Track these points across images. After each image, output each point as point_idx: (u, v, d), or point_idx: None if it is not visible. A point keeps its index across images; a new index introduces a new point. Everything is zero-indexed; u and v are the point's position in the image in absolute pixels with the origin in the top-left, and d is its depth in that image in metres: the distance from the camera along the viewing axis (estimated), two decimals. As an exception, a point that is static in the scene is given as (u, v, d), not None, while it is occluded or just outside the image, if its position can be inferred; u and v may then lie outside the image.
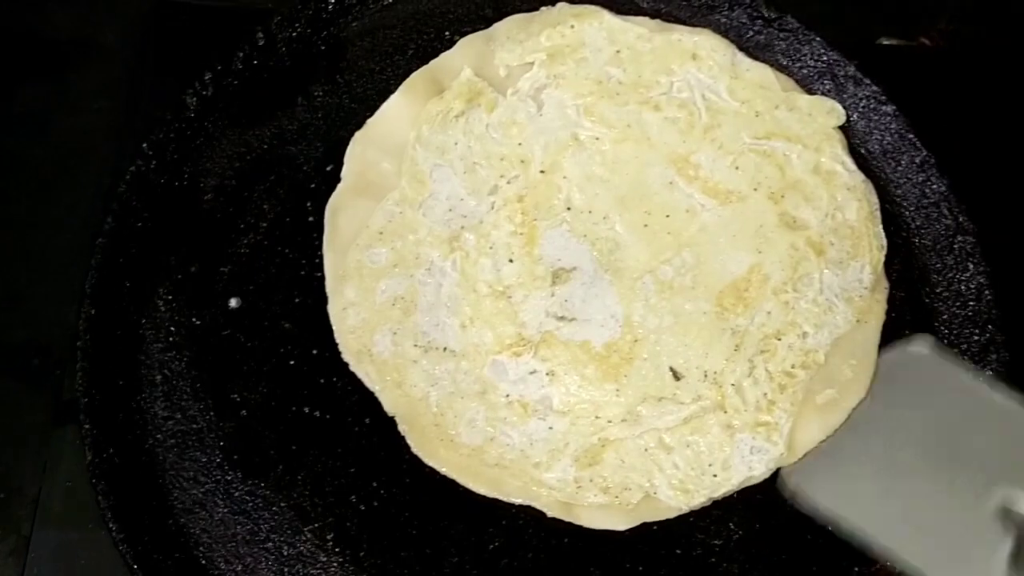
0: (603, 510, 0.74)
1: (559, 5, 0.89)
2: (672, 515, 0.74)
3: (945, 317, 0.82)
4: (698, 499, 0.74)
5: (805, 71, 0.90)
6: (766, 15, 0.90)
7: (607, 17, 0.87)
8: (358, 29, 0.90)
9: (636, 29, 0.87)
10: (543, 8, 0.88)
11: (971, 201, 0.84)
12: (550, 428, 0.75)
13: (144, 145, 0.82)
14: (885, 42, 1.02)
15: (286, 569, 0.73)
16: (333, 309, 0.78)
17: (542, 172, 0.82)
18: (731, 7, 0.91)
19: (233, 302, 0.81)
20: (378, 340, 0.77)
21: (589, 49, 0.86)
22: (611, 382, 0.76)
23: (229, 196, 0.84)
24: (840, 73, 0.89)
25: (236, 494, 0.75)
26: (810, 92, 0.89)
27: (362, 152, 0.83)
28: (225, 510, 0.74)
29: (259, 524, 0.74)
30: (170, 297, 0.80)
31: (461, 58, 0.86)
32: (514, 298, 0.78)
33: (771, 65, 0.88)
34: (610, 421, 0.76)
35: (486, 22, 0.90)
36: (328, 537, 0.74)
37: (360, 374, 0.76)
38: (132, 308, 0.79)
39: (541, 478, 0.74)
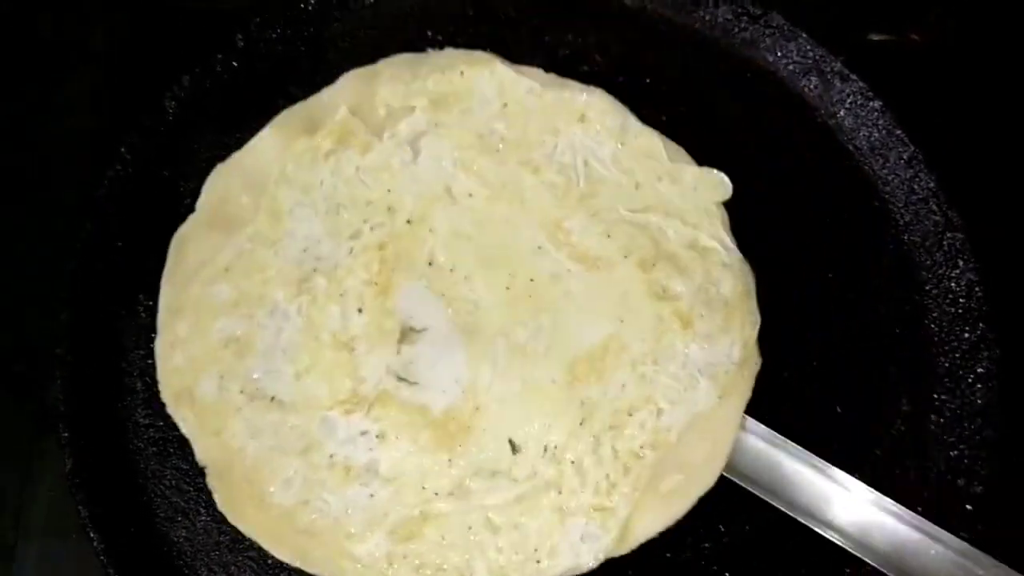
0: None
1: (449, 50, 0.86)
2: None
3: (936, 315, 0.81)
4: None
5: (792, 67, 0.89)
6: (751, 12, 0.89)
7: (499, 67, 0.84)
8: (339, 30, 0.90)
9: (527, 82, 0.84)
10: (431, 51, 0.86)
11: (960, 197, 0.83)
12: (371, 496, 0.71)
13: (122, 149, 0.81)
14: (875, 38, 1.01)
15: (269, 577, 0.72)
16: (160, 345, 0.75)
17: (408, 223, 0.79)
18: (716, 4, 0.90)
19: (214, 307, 0.79)
20: (203, 382, 0.73)
21: (476, 99, 0.83)
22: (444, 451, 0.72)
23: (210, 200, 0.83)
24: (827, 69, 0.88)
25: (218, 502, 0.73)
26: (796, 88, 0.88)
27: (222, 184, 0.80)
28: (207, 518, 0.73)
29: (241, 532, 0.73)
30: (150, 303, 0.79)
31: (340, 95, 0.83)
32: (357, 351, 0.75)
33: (758, 62, 0.87)
34: (436, 493, 0.72)
35: (468, 21, 0.90)
36: (312, 544, 0.73)
37: (177, 418, 0.73)
38: (112, 314, 0.78)
39: (351, 551, 0.70)
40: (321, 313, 0.75)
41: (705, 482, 0.72)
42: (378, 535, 0.70)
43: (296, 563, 0.69)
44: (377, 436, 0.72)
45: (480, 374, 0.74)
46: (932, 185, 0.83)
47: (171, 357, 0.74)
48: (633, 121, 0.84)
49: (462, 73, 0.84)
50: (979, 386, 0.78)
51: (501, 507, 0.71)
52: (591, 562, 0.70)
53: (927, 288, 0.82)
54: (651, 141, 0.83)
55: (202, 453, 0.71)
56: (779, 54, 0.90)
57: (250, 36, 0.87)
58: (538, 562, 0.70)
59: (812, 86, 0.89)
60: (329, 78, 0.87)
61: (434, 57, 0.86)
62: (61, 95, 0.95)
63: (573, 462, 0.72)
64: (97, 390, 0.76)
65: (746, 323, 0.77)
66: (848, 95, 0.87)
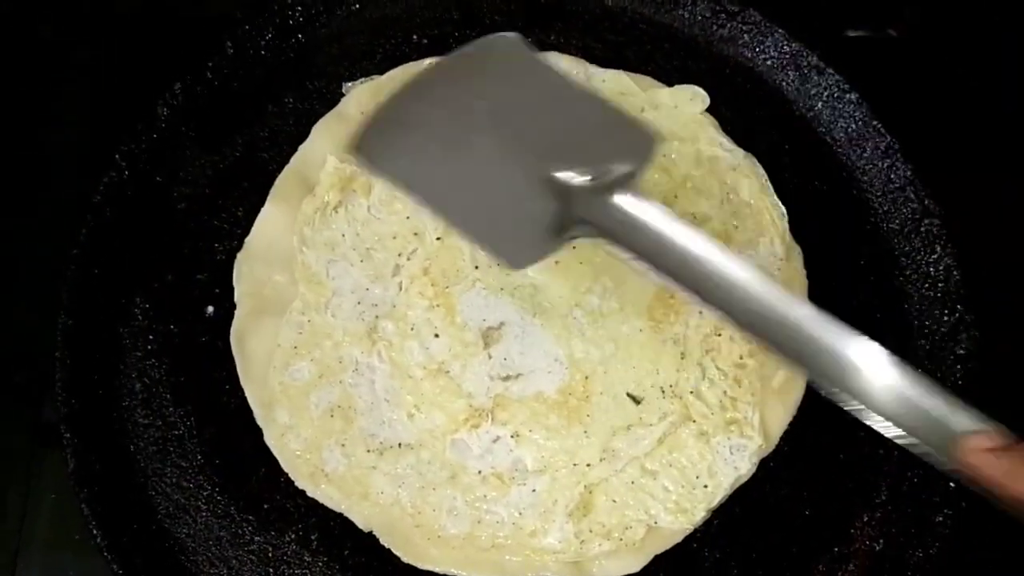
0: (612, 557, 0.73)
1: (402, 68, 0.87)
2: (679, 539, 0.74)
3: (915, 299, 0.83)
4: (699, 515, 0.74)
5: (769, 62, 0.91)
6: (729, 9, 0.92)
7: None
8: (326, 35, 0.91)
9: None
10: (388, 73, 0.87)
11: (936, 185, 0.85)
12: (533, 491, 0.74)
13: (116, 156, 0.82)
14: (852, 34, 1.03)
15: (271, 570, 0.73)
16: (271, 438, 0.75)
17: (439, 239, 0.81)
18: (695, 2, 0.92)
19: (210, 309, 0.81)
20: (328, 457, 0.74)
21: None
22: (577, 425, 0.75)
23: (203, 204, 0.84)
24: (803, 63, 0.90)
25: (219, 498, 0.75)
26: (775, 83, 0.90)
27: (250, 271, 0.80)
28: (208, 514, 0.74)
29: (243, 527, 0.74)
30: (147, 306, 0.80)
31: (321, 147, 0.84)
32: (452, 371, 0.76)
33: (736, 59, 0.90)
34: (588, 464, 0.74)
35: (453, 24, 0.92)
36: (312, 537, 0.74)
37: (321, 498, 0.73)
38: (109, 317, 0.79)
39: (541, 545, 0.73)
40: (402, 353, 0.77)
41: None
42: (558, 522, 0.73)
43: None
44: (512, 437, 0.74)
45: (574, 347, 0.77)
46: (908, 174, 0.85)
47: (287, 447, 0.74)
48: (594, 69, 0.88)
49: None
50: (959, 367, 0.80)
51: (650, 454, 0.75)
52: (750, 467, 0.75)
53: (906, 273, 0.84)
54: (618, 79, 0.87)
55: (362, 520, 0.72)
56: (757, 50, 0.92)
57: (239, 43, 0.88)
58: (705, 486, 0.74)
59: (789, 80, 0.91)
60: (319, 83, 0.89)
61: (389, 80, 0.87)
62: (51, 103, 0.96)
63: (692, 392, 0.76)
64: (97, 392, 0.77)
65: (774, 217, 0.83)
66: (825, 88, 0.89)
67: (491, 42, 0.75)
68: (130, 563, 0.70)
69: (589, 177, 0.68)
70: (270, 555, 0.73)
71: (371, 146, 0.70)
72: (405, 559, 0.72)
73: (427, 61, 0.87)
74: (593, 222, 0.67)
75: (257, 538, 0.74)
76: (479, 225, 0.69)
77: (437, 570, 0.72)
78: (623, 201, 0.66)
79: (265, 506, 0.75)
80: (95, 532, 0.70)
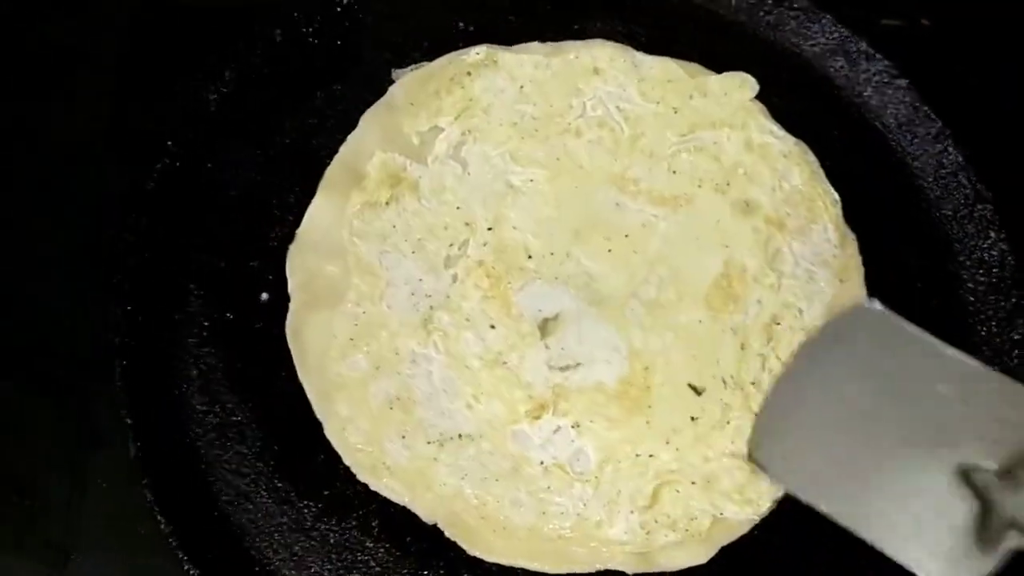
0: (679, 547, 0.72)
1: (444, 58, 0.87)
2: (745, 530, 0.73)
3: (970, 285, 0.83)
4: (765, 505, 0.73)
5: (817, 49, 0.91)
6: (775, -6, 0.91)
7: (500, 54, 0.86)
8: (373, 22, 0.91)
9: (531, 57, 0.86)
10: (436, 61, 0.87)
11: (989, 170, 0.85)
12: (596, 481, 0.73)
13: (169, 143, 0.82)
14: (886, 23, 1.03)
15: (334, 556, 0.73)
16: (331, 431, 0.74)
17: (490, 229, 0.80)
18: (740, -13, 0.92)
19: (264, 296, 0.81)
20: (389, 448, 0.73)
21: (493, 94, 0.85)
22: (638, 416, 0.75)
23: (254, 190, 0.84)
24: (852, 49, 0.90)
25: (279, 484, 0.75)
26: (823, 69, 0.90)
27: (302, 263, 0.79)
28: (269, 500, 0.74)
29: (304, 513, 0.74)
30: (201, 293, 0.80)
31: (370, 137, 0.83)
32: (510, 362, 0.76)
33: (783, 45, 0.89)
34: (652, 455, 0.74)
35: (501, 11, 0.91)
36: (373, 524, 0.74)
37: (384, 491, 0.73)
38: (165, 305, 0.79)
39: (607, 536, 0.72)
40: (458, 344, 0.76)
41: None
42: (623, 512, 0.72)
43: (564, 570, 0.71)
44: (573, 427, 0.74)
45: (632, 337, 0.76)
46: (961, 159, 0.85)
47: (347, 440, 0.73)
48: (641, 56, 0.87)
49: (469, 74, 0.86)
50: (1016, 351, 0.80)
51: (714, 445, 0.75)
52: None
53: (960, 259, 0.84)
54: (666, 66, 0.87)
55: (426, 513, 0.72)
56: (804, 36, 0.91)
57: (287, 29, 0.88)
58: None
59: (838, 66, 0.90)
60: (367, 69, 0.89)
61: (439, 68, 0.87)
62: (74, 100, 0.95)
63: (753, 383, 0.76)
64: (155, 380, 0.76)
65: (827, 203, 0.82)
66: (875, 74, 0.89)
67: (855, 316, 0.70)
68: (195, 549, 0.70)
69: (1004, 465, 0.62)
70: (332, 541, 0.73)
71: (766, 452, 0.67)
72: (471, 551, 0.72)
73: (474, 49, 0.87)
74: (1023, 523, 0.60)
75: (319, 524, 0.74)
76: (895, 536, 0.63)
77: (503, 562, 0.72)
78: None
79: (325, 492, 0.75)
80: (160, 518, 0.70)
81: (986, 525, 0.61)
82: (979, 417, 0.64)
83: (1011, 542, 0.60)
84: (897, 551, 0.63)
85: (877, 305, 0.69)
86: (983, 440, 0.63)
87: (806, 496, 0.66)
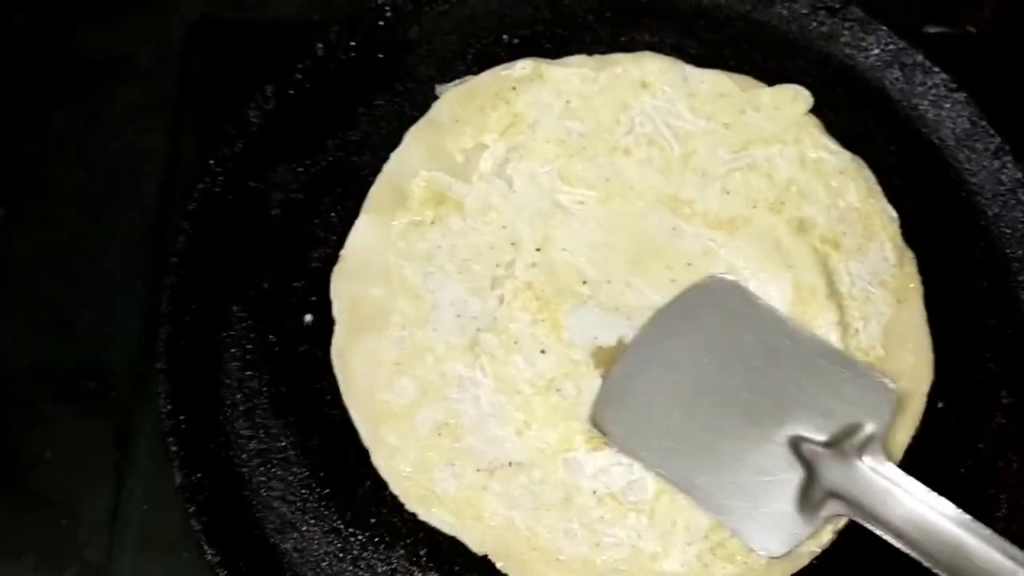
0: None
1: (488, 73, 0.86)
2: (806, 562, 0.71)
3: (1031, 305, 0.81)
4: (825, 536, 0.71)
5: (871, 61, 0.89)
6: (829, 4, 0.89)
7: (545, 68, 0.84)
8: (416, 36, 0.90)
9: (578, 71, 0.84)
10: (480, 76, 0.85)
11: (1050, 188, 0.83)
12: (652, 512, 0.72)
13: (211, 162, 0.81)
14: (931, 30, 1.01)
15: (381, 586, 0.72)
16: (379, 460, 0.73)
17: (538, 250, 0.79)
18: (794, -1, 0.89)
19: (308, 317, 0.80)
20: (438, 478, 0.72)
21: (539, 109, 0.83)
22: None
23: (297, 209, 0.83)
24: (908, 62, 0.88)
25: (325, 512, 0.74)
26: (878, 82, 0.88)
27: (347, 286, 0.78)
28: (315, 528, 0.73)
29: (350, 541, 0.73)
30: (244, 315, 0.79)
31: (413, 155, 0.82)
32: (564, 391, 0.74)
33: (837, 57, 0.87)
34: None
35: (544, 24, 0.90)
36: (421, 553, 0.73)
37: (433, 521, 0.72)
38: (207, 327, 0.78)
39: (663, 570, 0.70)
40: (506, 367, 0.75)
41: (927, 377, 0.76)
42: (679, 544, 0.71)
43: None
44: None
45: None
46: (1020, 175, 0.83)
47: (396, 469, 0.72)
48: (691, 69, 0.85)
49: (514, 89, 0.84)
50: (1076, 374, 0.77)
51: None
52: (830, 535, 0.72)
53: (1019, 279, 0.82)
54: (717, 80, 0.84)
55: (476, 544, 0.71)
56: (859, 48, 0.89)
57: (329, 45, 0.87)
58: None
59: (893, 79, 0.88)
60: (410, 84, 0.87)
61: (483, 83, 0.85)
62: (119, 113, 0.95)
63: None
64: (198, 404, 0.76)
65: (884, 221, 0.80)
66: (931, 87, 0.87)
67: (707, 287, 0.75)
68: (243, 578, 0.69)
69: (832, 438, 0.68)
70: (379, 571, 0.72)
71: (608, 419, 0.72)
72: None
73: (520, 63, 0.86)
74: (842, 493, 0.66)
75: (365, 554, 0.73)
76: (726, 502, 0.69)
77: None
78: (872, 466, 0.66)
79: (372, 520, 0.74)
80: (206, 548, 0.69)
81: (808, 495, 0.68)
82: (815, 392, 0.70)
83: (830, 510, 0.67)
84: (729, 520, 0.69)
85: (728, 277, 0.75)
86: (816, 414, 0.69)
87: (647, 464, 0.70)
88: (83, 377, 0.85)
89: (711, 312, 0.75)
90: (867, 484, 0.67)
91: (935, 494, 0.66)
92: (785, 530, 0.68)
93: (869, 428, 0.68)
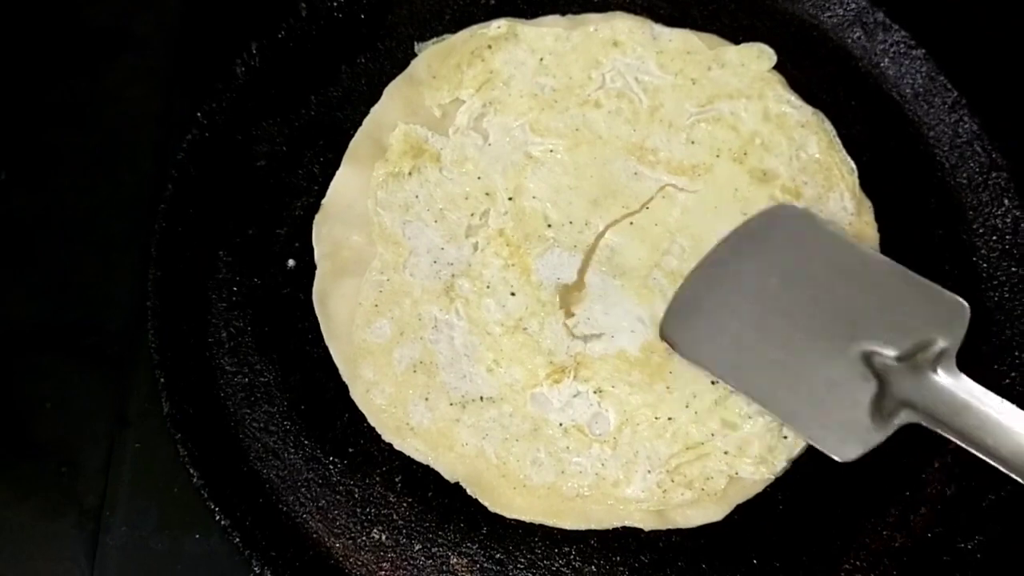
0: (695, 506, 0.74)
1: (467, 31, 0.89)
2: (760, 489, 0.75)
3: (983, 252, 0.84)
4: (779, 465, 0.75)
5: (834, 20, 0.92)
6: (794, -33, 0.92)
7: (519, 27, 0.88)
8: (396, -7, 0.92)
9: (551, 31, 0.87)
10: (458, 34, 0.88)
11: (1003, 138, 0.85)
12: (615, 442, 0.75)
13: (198, 114, 0.84)
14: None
15: (358, 510, 0.75)
16: (357, 394, 0.77)
17: (510, 199, 0.82)
18: (759, -40, 0.92)
19: (291, 262, 0.83)
20: (412, 411, 0.76)
21: (513, 66, 0.86)
22: (659, 382, 0.77)
23: (281, 161, 0.87)
24: (869, 20, 0.91)
25: (306, 442, 0.77)
26: (840, 40, 0.91)
27: (328, 232, 0.81)
28: (296, 457, 0.77)
29: (329, 469, 0.77)
30: (230, 259, 0.83)
31: (392, 110, 0.85)
32: (530, 329, 0.78)
33: (801, 17, 0.90)
34: (670, 418, 0.76)
35: (523, -13, 0.92)
36: (397, 480, 0.77)
37: (407, 450, 0.76)
38: (195, 270, 0.82)
39: (624, 495, 0.74)
40: (479, 310, 0.78)
41: None
42: (640, 472, 0.74)
43: (583, 526, 0.73)
44: (595, 392, 0.76)
45: (656, 307, 0.78)
46: (976, 128, 0.86)
47: (372, 402, 0.76)
48: (660, 28, 0.88)
49: (490, 47, 0.87)
50: (1028, 316, 0.80)
51: (731, 407, 0.76)
52: None
53: (974, 227, 0.85)
54: (685, 38, 0.88)
55: (448, 471, 0.74)
56: (822, 7, 0.92)
57: (312, 4, 0.90)
58: (785, 437, 0.75)
59: (855, 37, 0.91)
60: (390, 43, 0.91)
61: (460, 41, 0.88)
62: (119, 81, 0.97)
63: None
64: (186, 341, 0.79)
65: (844, 172, 0.83)
66: (891, 44, 0.90)
67: (777, 213, 0.78)
68: (225, 501, 0.73)
69: (904, 352, 0.70)
70: (356, 496, 0.76)
71: (678, 333, 0.75)
72: (492, 508, 0.74)
73: (495, 23, 0.89)
74: (915, 403, 0.69)
75: (344, 480, 0.76)
76: (800, 412, 0.71)
77: (523, 518, 0.74)
78: (945, 379, 0.69)
79: (350, 450, 0.77)
80: (192, 471, 0.73)
81: (881, 404, 0.70)
82: (885, 309, 0.73)
83: (902, 418, 0.69)
84: (802, 428, 0.71)
85: (797, 204, 0.78)
86: (887, 330, 0.72)
87: (714, 373, 0.74)
88: (82, 333, 0.88)
89: (780, 236, 0.78)
90: (941, 395, 0.69)
91: (1010, 404, 0.68)
92: (858, 437, 0.70)
93: (942, 343, 0.70)
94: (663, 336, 0.76)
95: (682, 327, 0.75)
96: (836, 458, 0.70)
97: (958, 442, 0.68)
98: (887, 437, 0.69)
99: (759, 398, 0.73)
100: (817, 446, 0.71)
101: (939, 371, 0.70)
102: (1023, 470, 0.65)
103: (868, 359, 0.72)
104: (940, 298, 0.73)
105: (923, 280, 0.74)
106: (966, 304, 0.72)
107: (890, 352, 0.71)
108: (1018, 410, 0.67)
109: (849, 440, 0.70)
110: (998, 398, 0.68)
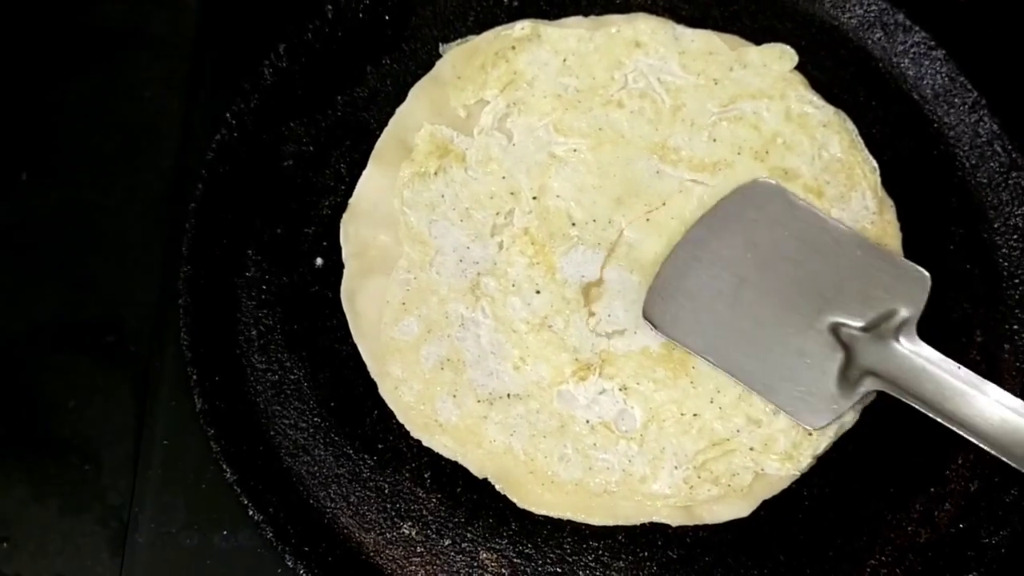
0: (721, 501, 0.75)
1: (491, 32, 0.89)
2: (786, 485, 0.76)
3: (1004, 251, 0.85)
4: (805, 461, 0.75)
5: (855, 21, 0.92)
6: (813, -33, 0.93)
7: (543, 30, 0.88)
8: (420, -4, 0.93)
9: (574, 32, 0.88)
10: (482, 35, 0.89)
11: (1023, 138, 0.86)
12: (642, 439, 0.76)
13: (227, 115, 0.85)
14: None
15: (388, 505, 0.76)
16: (385, 391, 0.78)
17: (535, 198, 0.83)
18: (780, -40, 0.93)
19: (318, 261, 0.84)
20: (440, 407, 0.77)
21: (537, 67, 0.87)
22: (683, 377, 0.78)
23: (308, 161, 0.87)
24: (889, 21, 0.91)
25: (336, 438, 0.78)
26: (861, 41, 0.91)
27: (356, 232, 0.82)
28: (326, 453, 0.78)
29: (359, 465, 0.78)
30: (259, 258, 0.84)
31: (418, 110, 0.86)
32: (555, 327, 0.79)
33: (821, 18, 0.91)
34: (695, 415, 0.77)
35: (548, -13, 0.93)
36: (426, 475, 0.78)
37: (436, 447, 0.77)
38: (225, 269, 0.83)
39: (651, 491, 0.75)
40: (505, 308, 0.79)
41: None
42: (667, 468, 0.75)
43: (610, 522, 0.74)
44: (620, 390, 0.77)
45: None
46: (996, 128, 0.87)
47: (401, 399, 0.77)
48: (682, 29, 0.89)
49: (513, 48, 0.88)
50: (1049, 314, 0.81)
51: (756, 403, 0.77)
52: (854, 416, 0.76)
53: (995, 225, 0.86)
54: (707, 39, 0.88)
55: (477, 468, 0.75)
56: (842, 8, 0.92)
57: (338, 5, 0.90)
58: (810, 434, 0.75)
59: (876, 38, 0.92)
60: (415, 44, 0.91)
61: (485, 42, 0.89)
62: (137, 79, 0.98)
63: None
64: (217, 338, 0.80)
65: (866, 171, 0.84)
66: (911, 46, 0.90)
67: (750, 189, 0.80)
68: (259, 497, 0.74)
69: (869, 323, 0.73)
70: (386, 491, 0.77)
71: (658, 311, 0.77)
72: (520, 504, 0.75)
73: (519, 24, 0.89)
74: (880, 372, 0.72)
75: (374, 476, 0.77)
76: (773, 384, 0.74)
77: (551, 514, 0.75)
78: (906, 347, 0.72)
79: (379, 446, 0.78)
80: (225, 468, 0.74)
81: (847, 374, 0.73)
82: (853, 281, 0.76)
83: (867, 385, 0.72)
84: (775, 399, 0.74)
85: (771, 180, 0.80)
86: (854, 301, 0.75)
87: (695, 350, 0.76)
88: (103, 331, 0.88)
89: (753, 212, 0.80)
90: (903, 362, 0.72)
91: (968, 370, 0.71)
92: (827, 406, 0.73)
93: (904, 312, 0.73)
94: (645, 316, 0.77)
95: (662, 307, 0.77)
96: (806, 427, 0.74)
97: (920, 408, 0.70)
98: (851, 403, 0.72)
99: (734, 371, 0.75)
100: (790, 416, 0.74)
101: (901, 339, 0.72)
102: (980, 433, 0.68)
103: (836, 330, 0.74)
104: (903, 269, 0.75)
105: (889, 253, 0.77)
106: (927, 274, 0.75)
107: (856, 323, 0.74)
108: (975, 375, 0.70)
109: (819, 409, 0.73)
110: (956, 364, 0.71)
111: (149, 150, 0.95)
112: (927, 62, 0.90)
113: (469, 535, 0.76)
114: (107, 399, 0.86)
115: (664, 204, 0.83)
